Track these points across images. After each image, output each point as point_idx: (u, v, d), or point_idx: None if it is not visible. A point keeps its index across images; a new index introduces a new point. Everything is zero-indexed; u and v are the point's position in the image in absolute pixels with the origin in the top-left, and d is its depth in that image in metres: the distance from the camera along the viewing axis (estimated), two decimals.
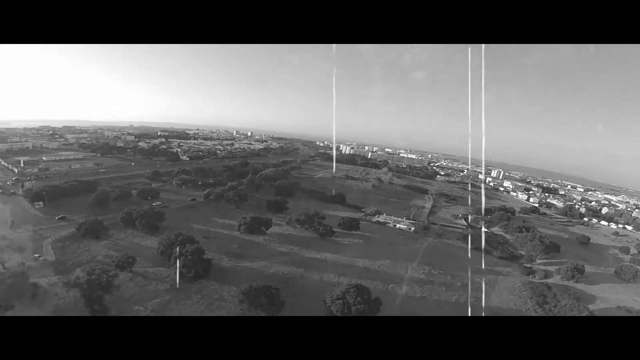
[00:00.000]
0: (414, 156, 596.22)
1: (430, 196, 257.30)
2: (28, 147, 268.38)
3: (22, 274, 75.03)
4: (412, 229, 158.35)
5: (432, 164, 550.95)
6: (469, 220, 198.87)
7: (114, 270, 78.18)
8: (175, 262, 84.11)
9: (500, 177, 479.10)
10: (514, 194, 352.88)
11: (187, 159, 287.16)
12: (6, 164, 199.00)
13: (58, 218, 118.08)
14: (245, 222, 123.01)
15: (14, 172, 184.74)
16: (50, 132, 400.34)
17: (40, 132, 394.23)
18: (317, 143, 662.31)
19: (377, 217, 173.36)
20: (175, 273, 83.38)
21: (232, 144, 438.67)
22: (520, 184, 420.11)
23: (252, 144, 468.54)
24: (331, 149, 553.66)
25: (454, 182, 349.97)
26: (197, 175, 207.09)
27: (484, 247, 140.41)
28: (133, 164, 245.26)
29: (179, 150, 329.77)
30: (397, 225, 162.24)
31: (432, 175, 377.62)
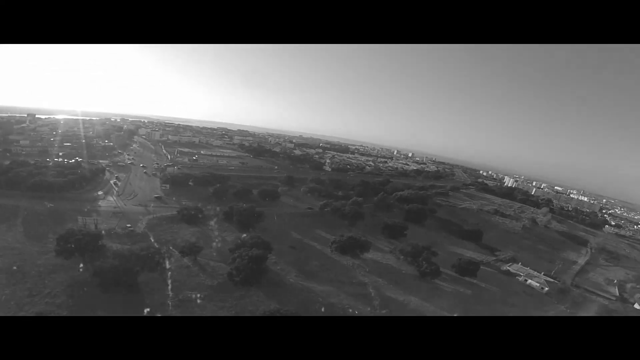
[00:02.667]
0: (585, 198, 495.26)
1: (588, 250, 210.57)
2: (194, 142, 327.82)
3: (99, 235, 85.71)
4: (546, 289, 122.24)
5: (604, 211, 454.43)
6: (624, 289, 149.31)
7: (167, 252, 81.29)
8: (234, 262, 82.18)
9: None
10: None
11: (329, 169, 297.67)
12: (165, 152, 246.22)
13: (155, 197, 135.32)
14: (340, 241, 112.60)
15: (168, 158, 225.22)
16: (223, 132, 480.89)
17: (214, 131, 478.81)
18: (481, 172, 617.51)
19: (508, 266, 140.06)
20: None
21: (386, 162, 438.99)
22: None
23: (407, 165, 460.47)
24: (494, 179, 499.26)
25: (624, 237, 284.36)
26: (328, 186, 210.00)
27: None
28: (276, 167, 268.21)
29: (328, 161, 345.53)
30: (528, 281, 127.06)
31: (600, 224, 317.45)
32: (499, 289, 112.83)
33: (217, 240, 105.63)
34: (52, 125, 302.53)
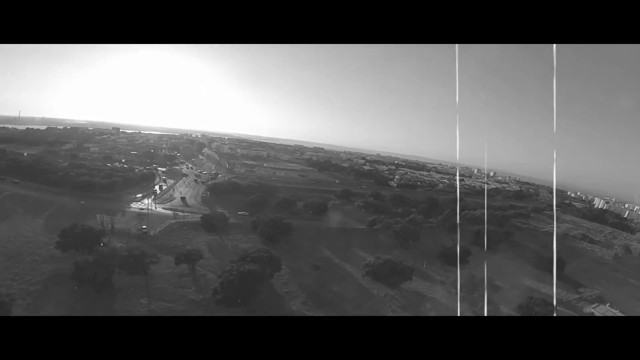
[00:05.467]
0: None
1: None
2: (262, 155, 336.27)
3: (102, 232, 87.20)
4: None
5: None
6: None
7: (155, 258, 76.06)
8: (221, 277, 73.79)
9: None
10: None
11: (395, 185, 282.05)
12: (226, 163, 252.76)
13: (180, 197, 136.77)
14: (374, 264, 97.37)
15: (225, 168, 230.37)
16: (295, 148, 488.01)
17: (288, 147, 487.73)
18: (568, 192, 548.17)
19: (593, 307, 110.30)
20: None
21: (462, 180, 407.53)
22: None
23: (487, 183, 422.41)
24: (584, 201, 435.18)
25: None
26: (388, 202, 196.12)
27: None
28: (337, 181, 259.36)
29: (397, 177, 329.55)
30: None
31: None
32: None
33: (229, 250, 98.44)
34: (131, 137, 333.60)
